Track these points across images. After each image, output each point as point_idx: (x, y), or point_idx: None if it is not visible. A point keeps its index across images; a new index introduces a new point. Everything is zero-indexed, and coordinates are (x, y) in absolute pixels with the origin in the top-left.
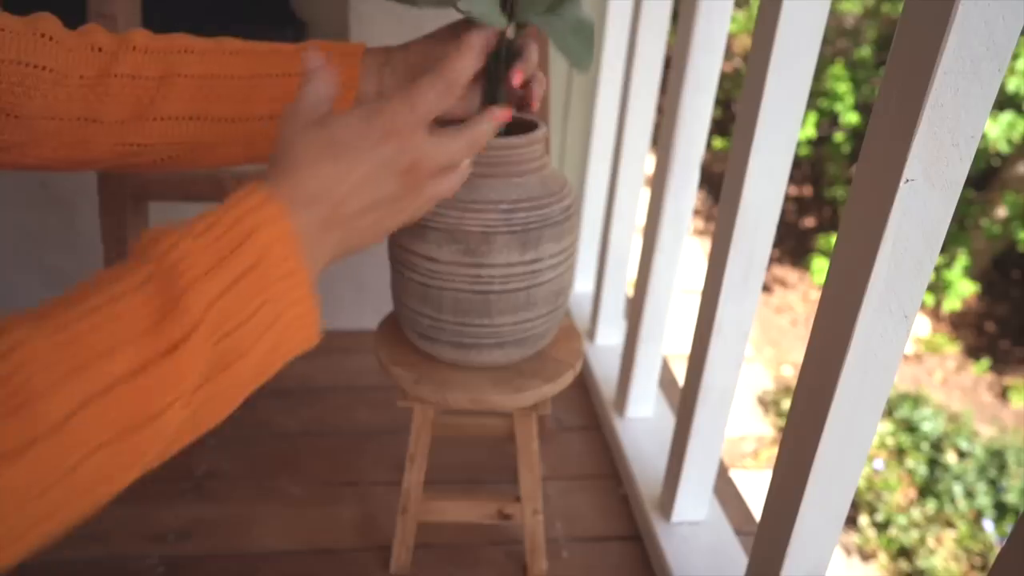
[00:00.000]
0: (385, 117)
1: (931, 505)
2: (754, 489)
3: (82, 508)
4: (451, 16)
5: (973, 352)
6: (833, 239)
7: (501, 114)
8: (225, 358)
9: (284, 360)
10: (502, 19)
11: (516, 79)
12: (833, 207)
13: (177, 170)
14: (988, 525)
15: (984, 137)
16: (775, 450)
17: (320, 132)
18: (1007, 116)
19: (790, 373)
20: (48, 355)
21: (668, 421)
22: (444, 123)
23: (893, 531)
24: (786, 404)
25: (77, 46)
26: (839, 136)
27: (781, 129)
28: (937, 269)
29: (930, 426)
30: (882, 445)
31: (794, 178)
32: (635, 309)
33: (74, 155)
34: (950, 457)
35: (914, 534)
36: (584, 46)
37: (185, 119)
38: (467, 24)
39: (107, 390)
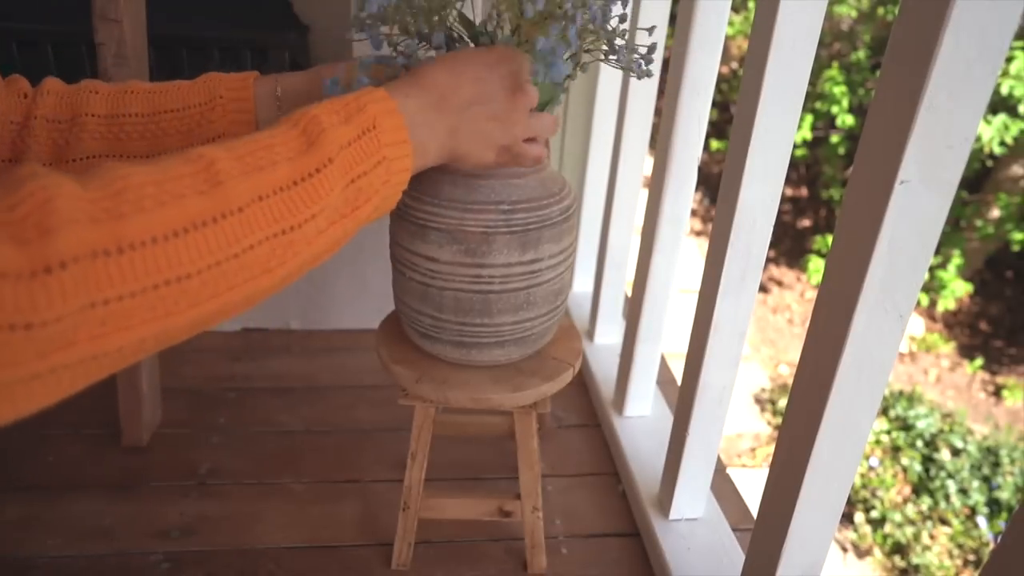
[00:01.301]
0: (502, 50)
1: (925, 502)
2: (751, 487)
3: (245, 291)
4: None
5: (967, 351)
6: (829, 240)
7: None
8: (353, 201)
9: (379, 216)
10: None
11: None
12: (829, 208)
13: None
14: (982, 522)
15: (978, 139)
16: (772, 448)
17: (446, 55)
18: (1000, 118)
19: (787, 372)
20: (230, 162)
21: (666, 419)
22: None
23: (888, 528)
24: (783, 403)
25: (8, 92)
26: (835, 138)
27: (777, 130)
28: (931, 269)
29: (924, 424)
30: (877, 443)
31: (790, 179)
32: (634, 309)
33: None
34: (944, 455)
35: (909, 531)
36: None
37: (100, 157)
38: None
39: (272, 193)
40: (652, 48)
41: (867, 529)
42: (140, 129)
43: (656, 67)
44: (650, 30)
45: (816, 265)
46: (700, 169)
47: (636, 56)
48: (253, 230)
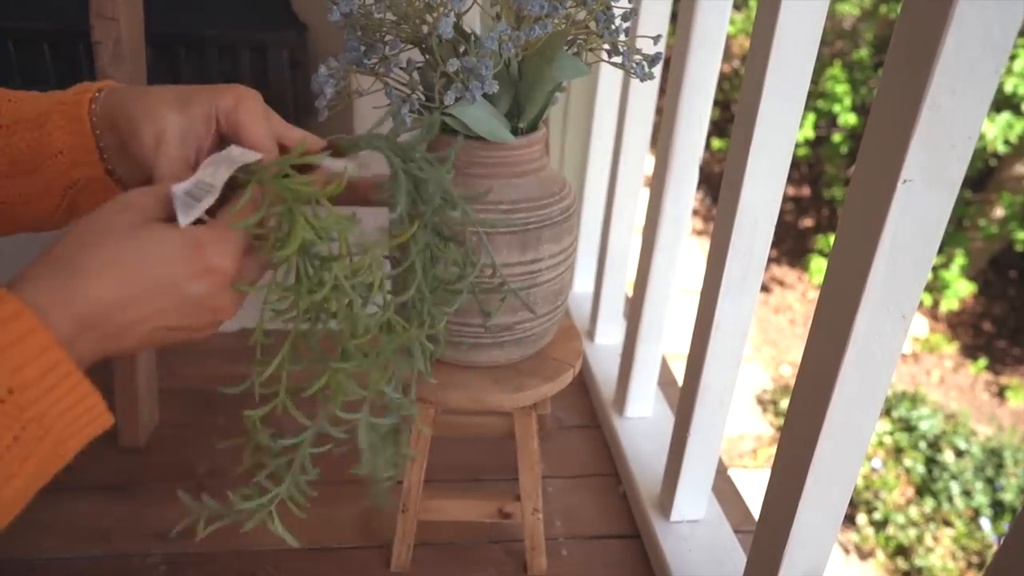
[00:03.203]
0: (209, 254)
1: (929, 504)
2: (753, 488)
3: None
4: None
5: (970, 351)
6: (831, 239)
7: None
8: None
9: (71, 454)
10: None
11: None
12: (831, 207)
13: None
14: (985, 524)
15: (981, 137)
16: (773, 449)
17: (128, 241)
18: (1004, 117)
19: (789, 373)
20: None
21: (667, 420)
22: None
23: (891, 530)
24: (785, 403)
25: None
26: (837, 137)
27: (779, 129)
28: (935, 269)
29: (928, 425)
30: (880, 444)
31: (792, 178)
32: (634, 309)
33: None
34: (948, 456)
35: (912, 533)
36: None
37: None
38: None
39: None
40: (657, 57)
41: (870, 531)
42: None
43: (657, 67)
44: (655, 39)
45: (818, 265)
46: (701, 168)
47: (638, 58)
48: None
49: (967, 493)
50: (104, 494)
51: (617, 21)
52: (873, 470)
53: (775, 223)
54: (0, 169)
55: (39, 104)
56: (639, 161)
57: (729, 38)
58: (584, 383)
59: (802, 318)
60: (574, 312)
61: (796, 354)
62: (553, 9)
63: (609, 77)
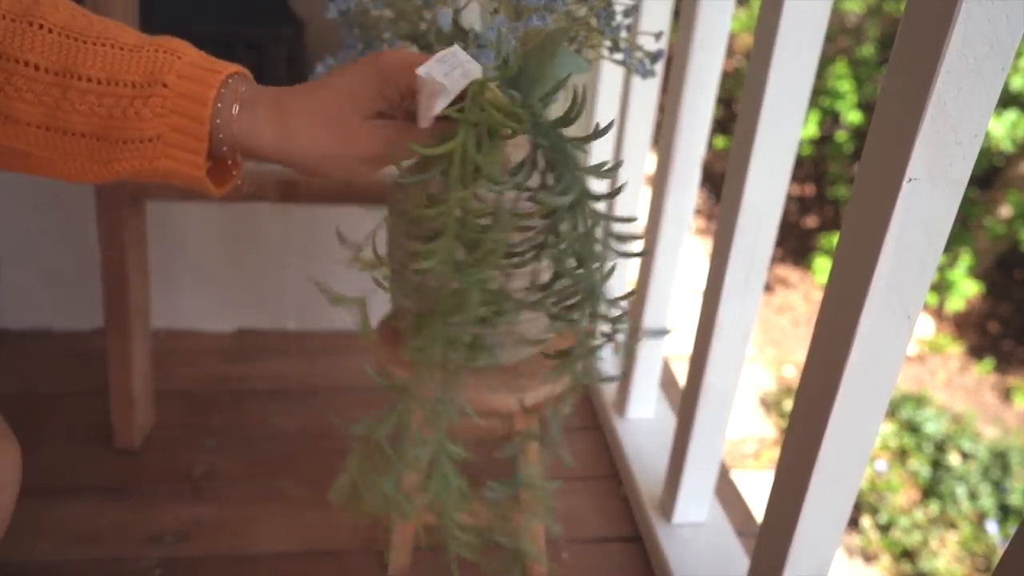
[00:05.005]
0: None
1: (934, 507)
2: (756, 490)
3: None
4: None
5: (976, 352)
6: (835, 239)
7: None
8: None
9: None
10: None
11: None
12: (835, 206)
13: (31, 173)
14: (991, 527)
15: (987, 136)
16: (777, 451)
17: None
18: (1011, 115)
19: (792, 374)
20: None
21: (669, 422)
22: None
23: (896, 533)
24: (788, 405)
25: None
26: (841, 135)
27: (783, 128)
28: (940, 269)
29: (933, 427)
30: (885, 446)
31: (796, 177)
32: (636, 309)
33: None
34: (953, 458)
35: (917, 536)
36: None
37: None
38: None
39: None
40: (658, 54)
41: (874, 534)
42: (37, 89)
43: (659, 64)
44: (657, 35)
45: (822, 265)
46: (704, 167)
47: (639, 55)
48: None
49: (973, 496)
50: (99, 496)
51: (618, 18)
52: (878, 472)
53: (778, 222)
54: (31, 118)
55: (127, 63)
56: (640, 159)
57: (732, 35)
58: (585, 384)
59: (806, 318)
60: None
61: (800, 355)
62: None
63: (610, 74)
